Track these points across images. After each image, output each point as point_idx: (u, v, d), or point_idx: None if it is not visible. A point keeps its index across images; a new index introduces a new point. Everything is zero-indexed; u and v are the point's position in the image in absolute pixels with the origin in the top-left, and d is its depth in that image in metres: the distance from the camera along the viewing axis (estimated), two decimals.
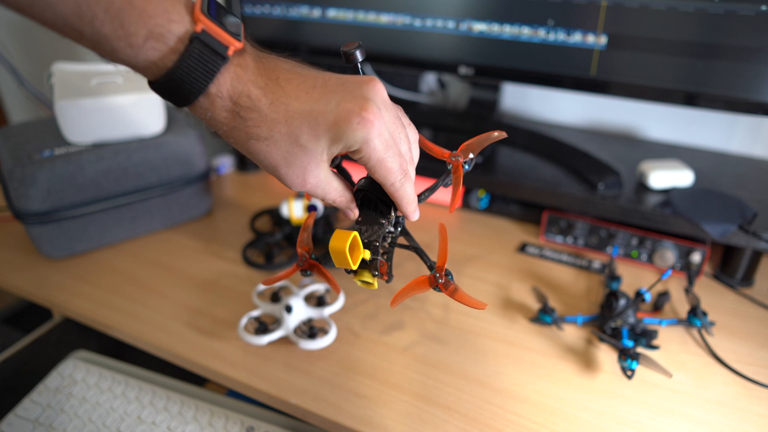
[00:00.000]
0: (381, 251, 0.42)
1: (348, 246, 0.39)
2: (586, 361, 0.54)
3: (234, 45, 0.34)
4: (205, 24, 0.33)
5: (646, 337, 0.55)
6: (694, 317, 0.56)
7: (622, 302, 0.55)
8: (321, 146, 0.36)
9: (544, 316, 0.57)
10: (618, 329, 0.55)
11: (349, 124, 0.35)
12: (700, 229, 0.62)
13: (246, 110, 0.34)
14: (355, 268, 0.41)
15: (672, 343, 0.56)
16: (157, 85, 0.34)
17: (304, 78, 0.36)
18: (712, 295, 0.64)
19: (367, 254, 0.42)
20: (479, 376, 0.52)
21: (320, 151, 0.36)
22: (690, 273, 0.64)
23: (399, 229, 0.46)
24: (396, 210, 0.44)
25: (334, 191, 0.40)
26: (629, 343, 0.52)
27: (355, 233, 0.40)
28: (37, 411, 0.55)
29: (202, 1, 0.33)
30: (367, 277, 0.43)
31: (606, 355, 0.55)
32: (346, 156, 0.41)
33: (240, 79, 0.34)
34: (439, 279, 0.42)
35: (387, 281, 0.44)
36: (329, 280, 0.48)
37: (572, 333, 0.57)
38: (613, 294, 0.56)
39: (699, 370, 0.53)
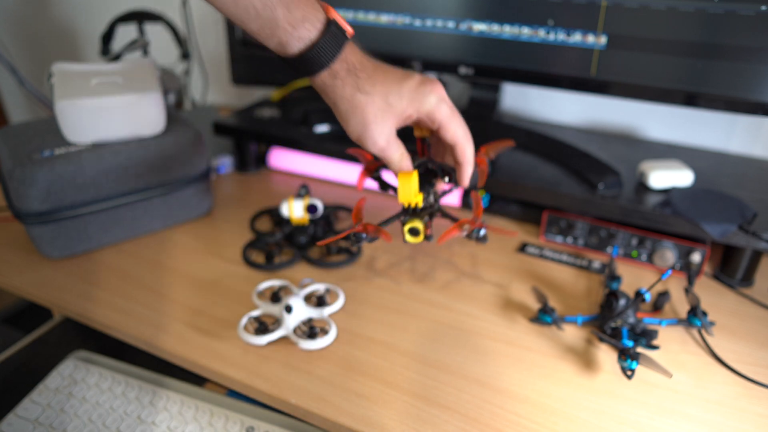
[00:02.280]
0: (430, 202, 0.54)
1: (414, 178, 0.52)
2: (586, 361, 0.54)
3: (349, 30, 0.49)
4: (334, 14, 0.48)
5: (646, 337, 0.55)
6: (694, 317, 0.56)
7: (622, 302, 0.55)
8: (403, 105, 0.49)
9: (544, 316, 0.57)
10: (618, 329, 0.55)
11: (426, 90, 0.49)
12: (700, 229, 0.62)
13: (359, 70, 0.48)
14: (418, 198, 0.53)
15: (672, 343, 0.56)
16: (303, 57, 0.47)
17: (386, 64, 0.51)
18: (712, 295, 0.64)
19: (420, 198, 0.53)
20: (479, 376, 0.52)
21: (401, 111, 0.49)
22: (690, 273, 0.64)
23: (437, 206, 0.56)
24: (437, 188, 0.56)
25: (401, 150, 0.52)
26: (629, 343, 0.52)
27: (416, 171, 0.52)
28: (37, 411, 0.55)
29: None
30: (418, 224, 0.53)
31: (606, 355, 0.55)
32: (383, 165, 0.59)
33: (353, 50, 0.49)
34: (477, 220, 0.53)
35: (428, 238, 0.54)
36: (384, 233, 0.55)
37: (572, 333, 0.57)
38: (613, 294, 0.56)
39: (699, 370, 0.53)
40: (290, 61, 0.48)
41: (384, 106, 0.49)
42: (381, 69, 0.49)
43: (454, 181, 0.54)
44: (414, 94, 0.49)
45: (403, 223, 0.54)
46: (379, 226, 0.54)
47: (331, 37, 0.47)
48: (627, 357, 0.50)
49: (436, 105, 0.49)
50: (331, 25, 0.47)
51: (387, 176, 0.61)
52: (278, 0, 0.45)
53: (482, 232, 0.52)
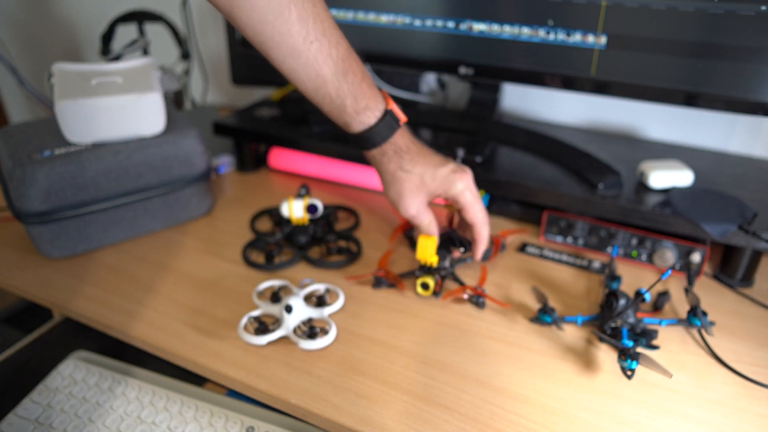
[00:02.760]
0: (444, 265, 0.63)
1: (433, 242, 0.62)
2: (586, 361, 0.54)
3: (402, 118, 0.60)
4: (392, 105, 0.59)
5: (645, 337, 0.55)
6: (694, 317, 0.56)
7: (622, 302, 0.55)
8: (434, 186, 0.60)
9: (544, 316, 0.57)
10: (618, 329, 0.55)
11: (455, 178, 0.59)
12: (700, 229, 0.62)
13: (403, 152, 0.59)
14: (433, 259, 0.62)
15: (672, 343, 0.56)
16: (360, 136, 0.59)
17: (429, 149, 0.62)
18: (712, 295, 0.64)
19: (435, 259, 0.62)
20: (479, 376, 0.52)
21: (432, 190, 0.60)
22: (690, 273, 0.64)
23: (451, 269, 0.64)
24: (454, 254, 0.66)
25: (430, 218, 0.62)
26: (629, 343, 0.52)
27: (436, 237, 0.62)
28: (38, 411, 0.55)
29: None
30: (429, 280, 0.61)
31: (606, 355, 0.55)
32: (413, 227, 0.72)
33: (404, 135, 0.60)
34: (479, 288, 0.62)
35: (436, 294, 0.62)
36: (400, 282, 0.64)
37: (572, 333, 0.57)
38: (613, 294, 0.56)
39: (699, 370, 0.53)
40: (351, 137, 0.60)
41: (419, 183, 0.59)
42: (423, 153, 0.60)
43: (469, 251, 0.66)
44: (445, 179, 0.59)
45: (417, 277, 0.62)
46: (398, 275, 0.63)
47: (386, 125, 0.58)
48: (627, 357, 0.50)
49: (461, 191, 0.59)
50: (387, 114, 0.58)
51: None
52: (349, 92, 0.56)
53: (481, 299, 0.60)
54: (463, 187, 0.59)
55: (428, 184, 0.59)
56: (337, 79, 0.55)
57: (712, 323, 0.57)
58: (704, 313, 0.56)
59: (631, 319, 0.55)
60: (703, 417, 0.48)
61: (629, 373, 0.50)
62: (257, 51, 0.56)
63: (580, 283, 0.65)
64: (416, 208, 0.61)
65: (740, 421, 0.48)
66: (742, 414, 0.48)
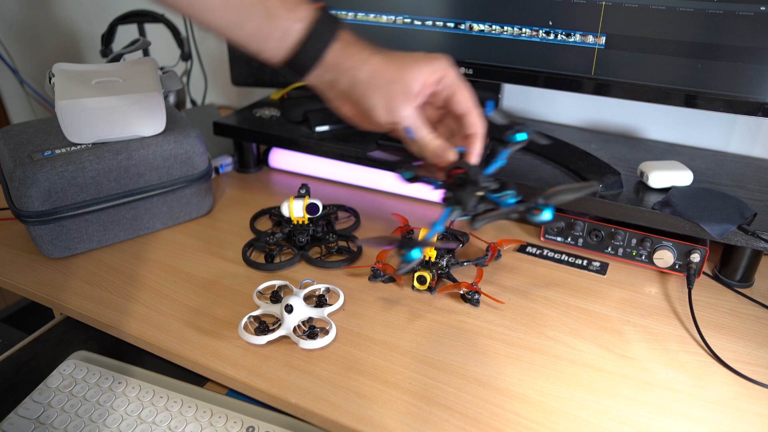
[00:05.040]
0: (441, 263, 0.63)
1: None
2: (585, 361, 0.54)
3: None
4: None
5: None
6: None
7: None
8: (416, 71, 0.49)
9: (404, 173, 0.56)
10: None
11: (435, 55, 0.49)
12: (700, 228, 0.62)
13: (362, 46, 0.48)
14: (432, 253, 0.62)
15: (672, 343, 0.56)
16: (307, 43, 0.47)
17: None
18: (711, 294, 0.64)
19: (433, 254, 0.62)
20: (479, 375, 0.52)
21: (415, 77, 0.49)
22: (689, 273, 0.64)
23: (447, 269, 0.63)
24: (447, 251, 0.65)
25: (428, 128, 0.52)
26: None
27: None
28: (38, 410, 0.55)
29: None
30: (426, 274, 0.61)
31: (606, 355, 0.55)
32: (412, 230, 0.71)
33: (352, 34, 0.49)
34: (475, 285, 0.61)
35: (431, 290, 0.62)
36: (398, 276, 0.64)
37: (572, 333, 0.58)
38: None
39: (698, 370, 0.53)
40: (292, 58, 0.47)
41: (396, 74, 0.48)
42: (380, 49, 0.49)
43: (462, 243, 0.68)
44: (422, 58, 0.49)
45: (414, 271, 0.62)
46: (396, 270, 0.63)
47: (326, 20, 0.47)
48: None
49: (447, 68, 0.50)
50: (321, 11, 0.47)
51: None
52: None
53: (476, 296, 0.60)
54: (448, 63, 0.50)
55: (407, 71, 0.48)
56: None
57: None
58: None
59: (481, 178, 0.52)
60: (702, 416, 0.48)
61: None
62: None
63: (581, 284, 0.65)
64: (411, 109, 0.50)
65: (739, 420, 0.48)
66: (742, 413, 0.48)
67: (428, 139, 0.52)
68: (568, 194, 0.48)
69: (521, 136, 0.53)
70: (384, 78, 0.48)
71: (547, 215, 0.47)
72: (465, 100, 0.52)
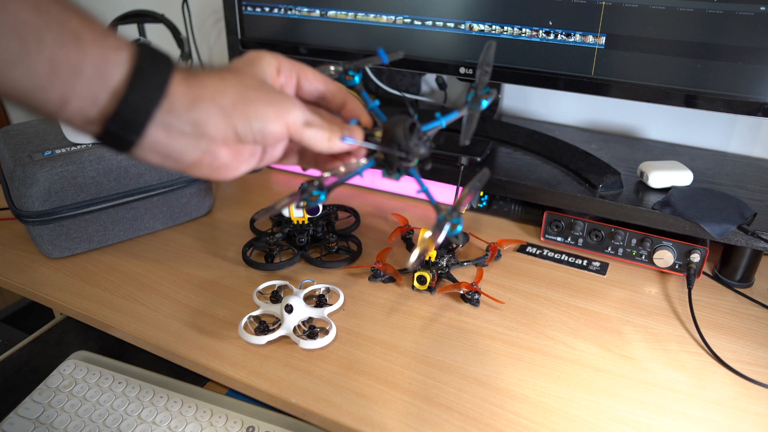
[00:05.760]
0: (441, 263, 0.63)
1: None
2: (585, 360, 0.54)
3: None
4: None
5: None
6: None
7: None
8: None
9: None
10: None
11: (256, 55, 0.41)
12: (700, 228, 0.62)
13: (194, 74, 0.39)
14: (432, 253, 0.63)
15: (672, 343, 0.56)
16: (132, 89, 0.34)
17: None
18: (711, 294, 0.64)
19: (433, 254, 0.64)
20: (479, 375, 0.52)
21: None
22: (689, 273, 0.64)
23: (447, 269, 0.64)
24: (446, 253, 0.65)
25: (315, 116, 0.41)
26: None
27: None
28: (39, 410, 0.55)
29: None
30: (426, 274, 0.61)
31: (606, 355, 0.55)
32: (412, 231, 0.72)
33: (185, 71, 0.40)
34: (475, 285, 0.61)
35: (431, 289, 0.62)
36: (398, 276, 0.64)
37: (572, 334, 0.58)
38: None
39: (698, 370, 0.53)
40: (111, 116, 0.33)
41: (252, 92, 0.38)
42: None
43: (459, 244, 0.69)
44: (247, 65, 0.40)
45: (414, 271, 0.62)
46: (397, 270, 0.63)
47: (147, 47, 0.37)
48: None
49: (279, 56, 0.41)
50: (141, 48, 0.37)
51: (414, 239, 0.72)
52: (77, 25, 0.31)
53: (476, 296, 0.61)
54: (272, 55, 0.41)
55: (256, 69, 0.40)
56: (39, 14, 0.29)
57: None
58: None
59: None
60: (702, 416, 0.48)
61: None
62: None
63: (581, 283, 0.65)
64: (296, 100, 0.40)
65: (739, 420, 0.48)
66: (742, 413, 0.48)
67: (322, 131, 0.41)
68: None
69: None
70: (252, 87, 0.39)
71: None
72: (322, 81, 0.43)
